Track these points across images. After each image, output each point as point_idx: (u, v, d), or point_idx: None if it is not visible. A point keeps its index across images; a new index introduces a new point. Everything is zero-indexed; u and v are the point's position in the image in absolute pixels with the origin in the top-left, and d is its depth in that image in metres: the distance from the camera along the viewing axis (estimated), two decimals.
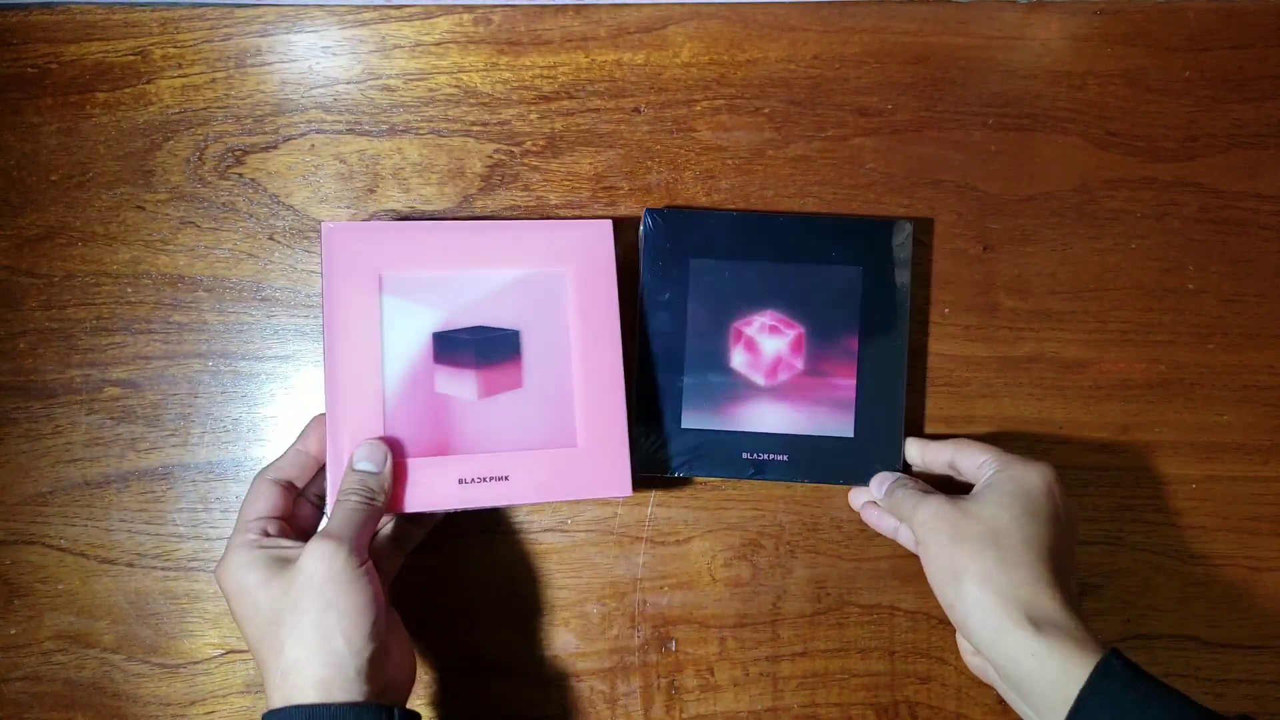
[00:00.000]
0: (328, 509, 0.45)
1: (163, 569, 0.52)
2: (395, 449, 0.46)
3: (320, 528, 0.41)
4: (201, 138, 0.54)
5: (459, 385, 0.48)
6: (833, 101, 0.55)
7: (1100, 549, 0.53)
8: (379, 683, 0.40)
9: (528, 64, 0.54)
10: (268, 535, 0.43)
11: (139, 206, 0.53)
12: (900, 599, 0.52)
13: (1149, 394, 0.53)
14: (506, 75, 0.54)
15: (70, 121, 0.54)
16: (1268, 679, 0.52)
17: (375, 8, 0.54)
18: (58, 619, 0.52)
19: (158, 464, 0.52)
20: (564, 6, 0.55)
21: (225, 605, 0.51)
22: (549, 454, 0.48)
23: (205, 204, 0.53)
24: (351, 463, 0.45)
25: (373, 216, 0.54)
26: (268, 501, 0.44)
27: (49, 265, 0.53)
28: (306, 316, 0.53)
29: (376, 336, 0.47)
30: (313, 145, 0.54)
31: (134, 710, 0.51)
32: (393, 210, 0.54)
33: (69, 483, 0.52)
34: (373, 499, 0.44)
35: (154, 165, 0.54)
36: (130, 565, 0.52)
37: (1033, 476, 0.45)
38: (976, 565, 0.42)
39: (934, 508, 0.45)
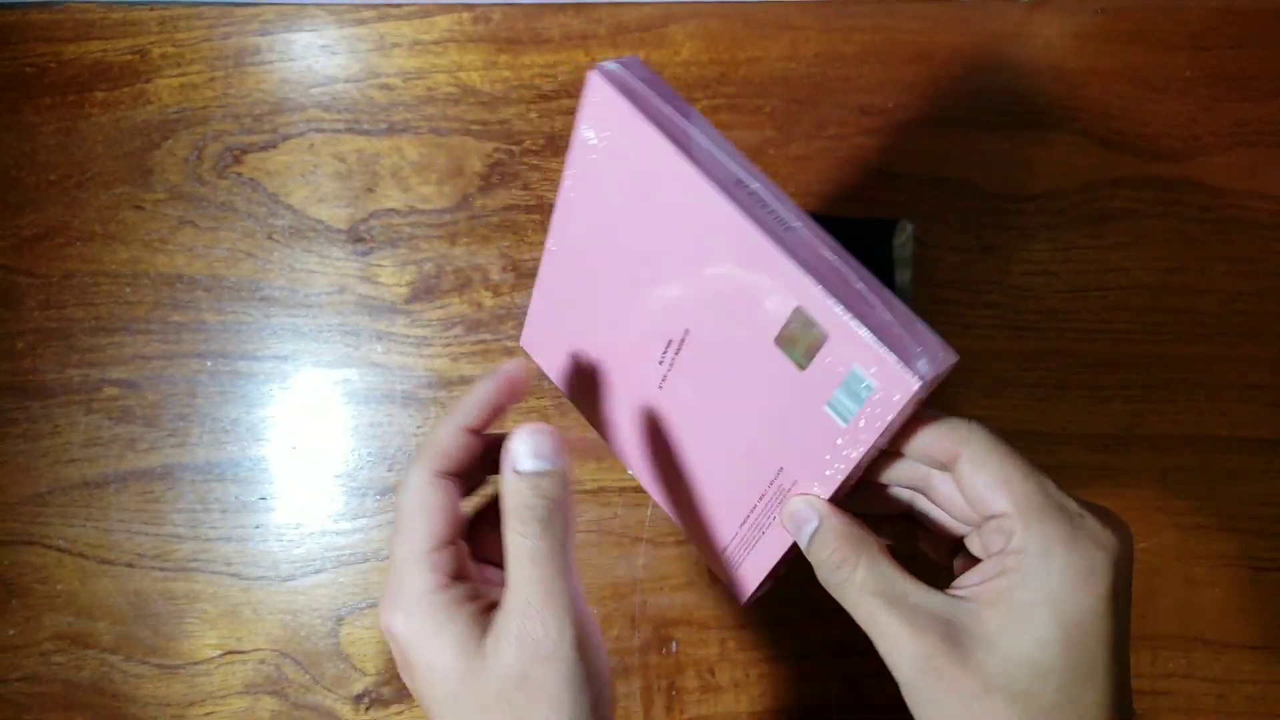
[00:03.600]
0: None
1: (162, 569, 0.52)
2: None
3: (507, 595, 0.30)
4: (200, 137, 0.54)
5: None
6: (834, 100, 0.54)
7: None
8: None
9: (527, 62, 0.54)
10: (456, 579, 0.31)
11: (137, 206, 0.53)
12: None
13: (1150, 394, 0.53)
14: (506, 74, 0.54)
15: (69, 121, 0.54)
16: (1271, 679, 0.52)
17: (374, 6, 0.54)
18: (56, 619, 0.52)
19: (156, 464, 0.52)
20: (564, 5, 0.54)
21: (225, 606, 0.51)
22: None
23: (204, 203, 0.53)
24: (512, 462, 0.31)
25: (371, 216, 0.54)
26: (446, 516, 0.31)
27: (47, 265, 0.53)
28: (305, 316, 0.53)
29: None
30: (311, 144, 0.54)
31: (133, 711, 0.51)
32: (392, 210, 0.54)
33: (67, 483, 0.52)
34: (561, 512, 0.30)
35: (152, 164, 0.53)
36: (129, 566, 0.52)
37: (1084, 589, 0.27)
38: None
39: (903, 635, 0.28)
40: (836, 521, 0.30)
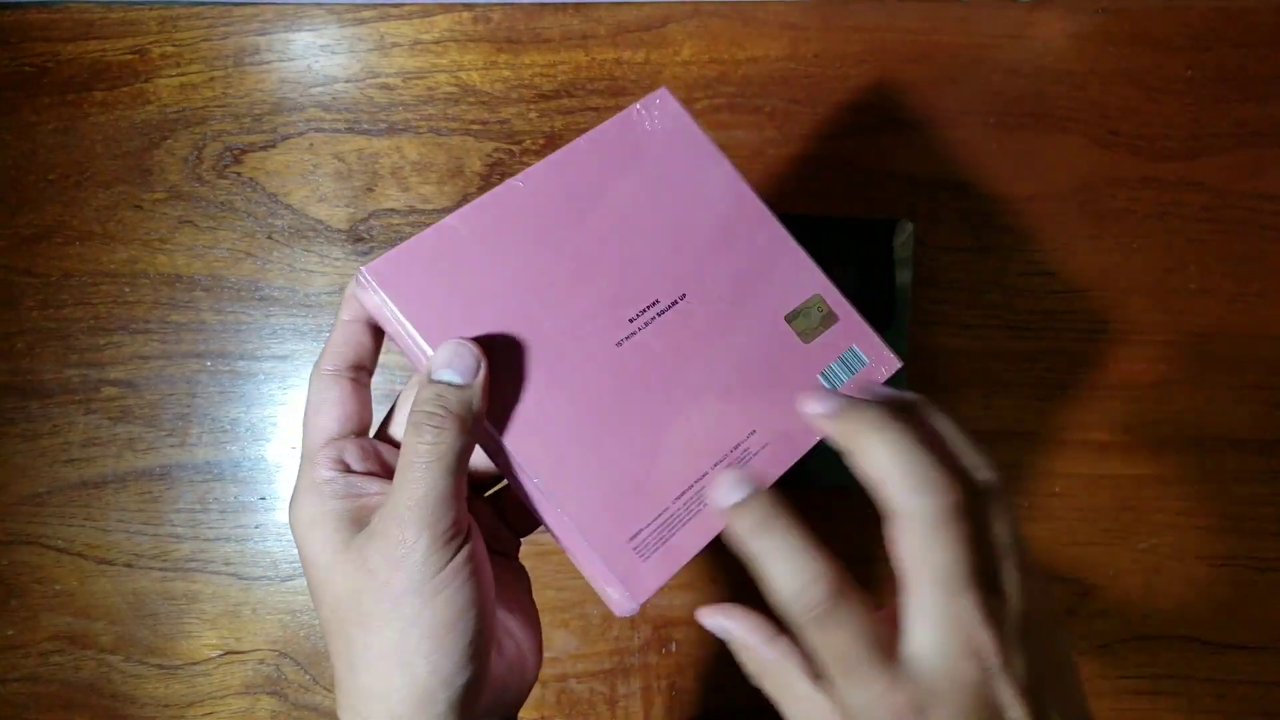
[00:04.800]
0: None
1: (160, 569, 0.52)
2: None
3: (387, 496, 0.30)
4: (199, 136, 0.54)
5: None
6: (833, 100, 0.54)
7: (1101, 549, 0.53)
8: (480, 707, 0.31)
9: (527, 62, 0.54)
10: (346, 470, 0.32)
11: (137, 205, 0.53)
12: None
13: (1150, 394, 0.53)
14: (506, 74, 0.54)
15: (68, 120, 0.54)
16: (1270, 680, 0.52)
17: (374, 6, 0.54)
18: (55, 620, 0.52)
19: (155, 464, 0.52)
20: (564, 4, 0.54)
21: (224, 606, 0.51)
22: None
23: (203, 203, 0.53)
24: (427, 369, 0.31)
25: (370, 216, 0.53)
26: (338, 409, 0.33)
27: (46, 264, 0.53)
28: (305, 316, 0.53)
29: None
30: (311, 144, 0.54)
31: (132, 711, 0.51)
32: (392, 210, 0.53)
33: (66, 483, 0.52)
34: (462, 426, 0.30)
35: (152, 164, 0.53)
36: (128, 566, 0.52)
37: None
38: None
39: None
40: (746, 620, 0.32)
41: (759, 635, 0.31)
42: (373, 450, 0.33)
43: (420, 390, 0.30)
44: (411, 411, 0.30)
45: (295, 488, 0.32)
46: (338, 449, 0.32)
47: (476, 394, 0.31)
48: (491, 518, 0.37)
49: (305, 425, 0.33)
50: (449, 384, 0.30)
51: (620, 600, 0.33)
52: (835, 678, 0.28)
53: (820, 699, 0.29)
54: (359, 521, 0.31)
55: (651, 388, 0.34)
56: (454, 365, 0.31)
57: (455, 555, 0.29)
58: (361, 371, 0.34)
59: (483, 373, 0.31)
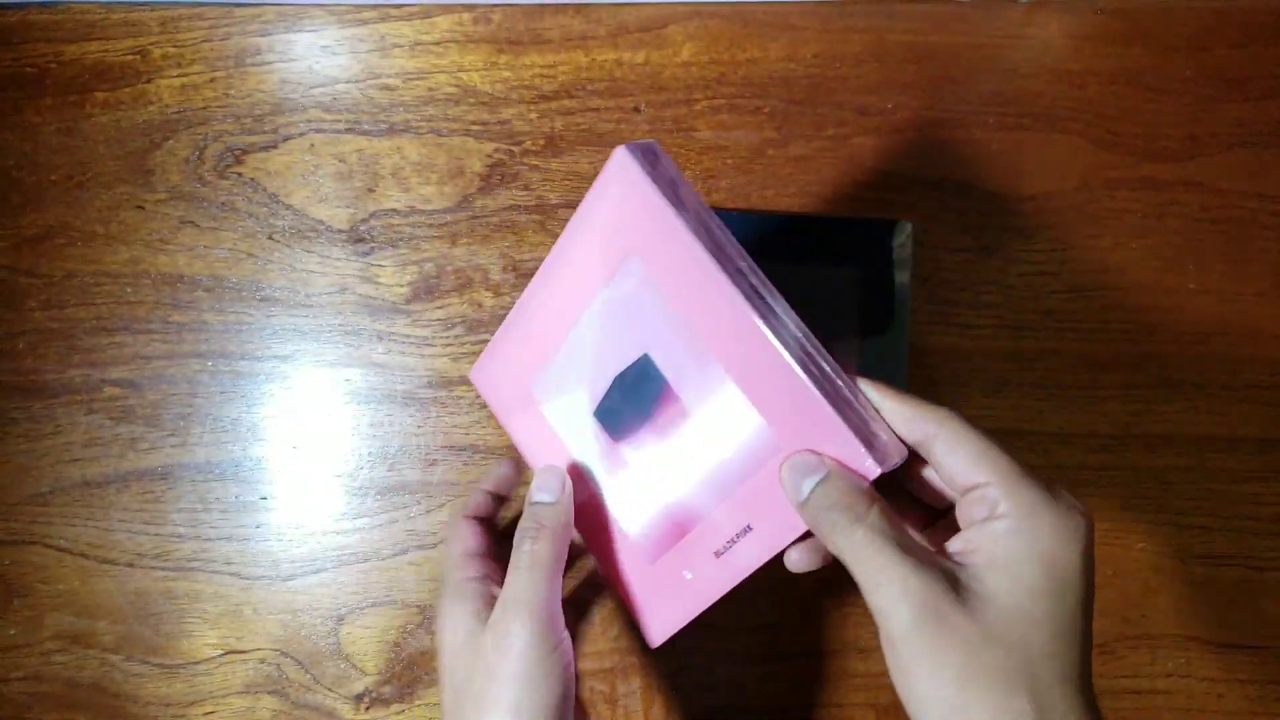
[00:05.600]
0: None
1: (162, 569, 0.52)
2: (637, 551, 0.39)
3: (501, 595, 0.37)
4: (201, 137, 0.54)
5: (643, 450, 0.39)
6: (833, 100, 0.55)
7: (1101, 549, 0.53)
8: None
9: (527, 63, 0.54)
10: (482, 578, 0.39)
11: (138, 206, 0.53)
12: None
13: (1149, 394, 0.53)
14: (506, 74, 0.54)
15: (70, 121, 0.54)
16: (1269, 679, 0.52)
17: (375, 7, 0.54)
18: (57, 619, 0.52)
19: (157, 464, 0.52)
20: (564, 5, 0.54)
21: (225, 606, 0.52)
22: (760, 472, 0.35)
23: (204, 203, 0.53)
24: (529, 493, 0.39)
25: (371, 216, 0.54)
26: (472, 539, 0.41)
27: (48, 265, 0.53)
28: (306, 316, 0.53)
29: (566, 455, 0.41)
30: (312, 145, 0.54)
31: (134, 710, 0.51)
32: (392, 210, 0.54)
33: (68, 482, 0.52)
34: (554, 536, 0.37)
35: (153, 165, 0.54)
36: (130, 565, 0.52)
37: (1068, 545, 0.29)
38: (984, 700, 0.28)
39: (909, 580, 0.29)
40: (844, 474, 0.32)
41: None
42: (498, 570, 0.40)
43: (525, 509, 0.39)
44: (519, 527, 0.38)
45: (444, 589, 0.40)
46: (474, 561, 0.40)
47: (564, 510, 0.39)
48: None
49: (449, 546, 0.41)
50: (542, 504, 0.39)
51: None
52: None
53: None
54: (485, 618, 0.37)
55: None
56: (544, 488, 0.39)
57: (555, 649, 0.35)
58: (491, 523, 0.44)
59: (568, 490, 0.39)
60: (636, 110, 0.54)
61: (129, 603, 0.52)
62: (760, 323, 0.33)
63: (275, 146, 0.54)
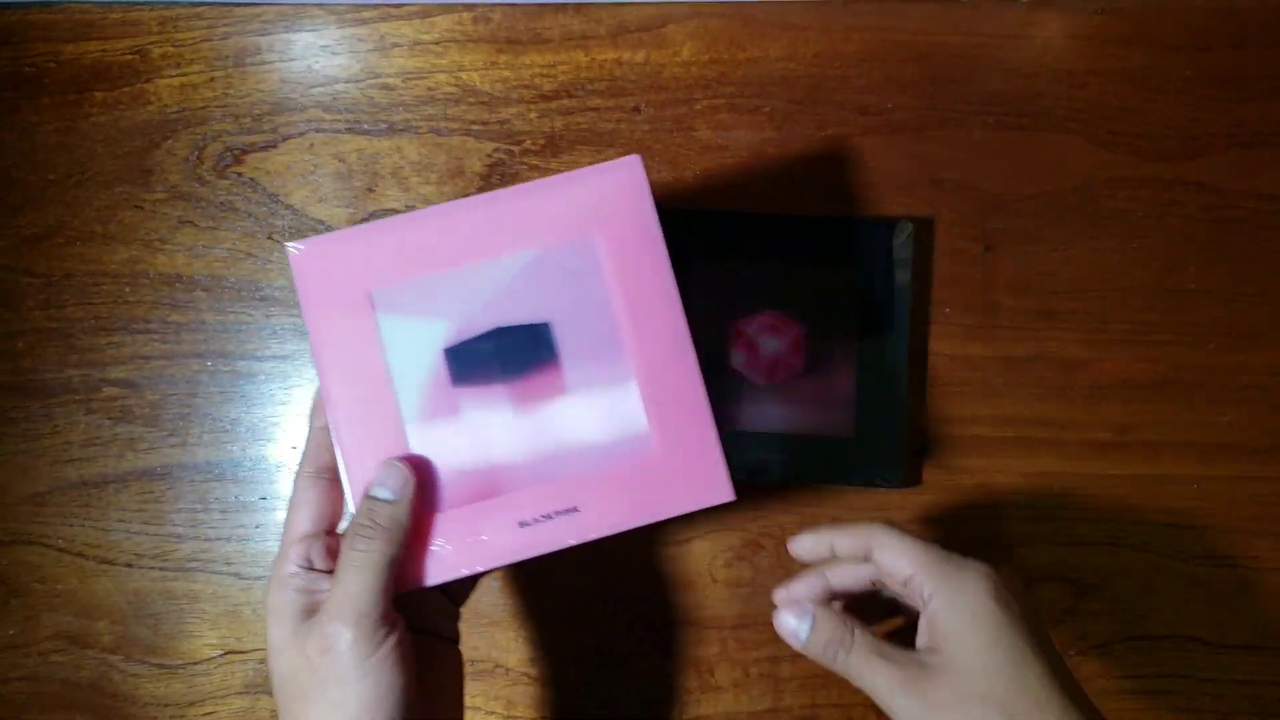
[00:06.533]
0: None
1: (161, 569, 0.52)
2: (431, 493, 0.38)
3: (329, 594, 0.36)
4: (200, 137, 0.54)
5: (490, 406, 0.39)
6: (833, 100, 0.55)
7: (1100, 549, 0.53)
8: None
9: (527, 63, 0.54)
10: (309, 568, 0.37)
11: (137, 206, 0.53)
12: None
13: (1149, 394, 0.53)
14: (506, 74, 0.54)
15: (68, 121, 0.54)
16: (1269, 680, 0.52)
17: (375, 6, 0.54)
18: (56, 619, 0.52)
19: (156, 464, 0.52)
20: (564, 5, 0.54)
21: (225, 606, 0.52)
22: (621, 467, 0.38)
23: (204, 203, 0.53)
24: (369, 486, 0.37)
25: (370, 216, 0.54)
26: (311, 512, 0.38)
27: (47, 265, 0.53)
28: None
29: (382, 370, 0.38)
30: (312, 144, 0.54)
31: (133, 711, 0.51)
32: (391, 210, 0.54)
33: (67, 482, 0.52)
34: (389, 537, 0.36)
35: (152, 164, 0.54)
36: (129, 565, 0.52)
37: (978, 596, 0.37)
38: None
39: (894, 677, 0.37)
40: (825, 612, 0.40)
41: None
42: (336, 549, 0.37)
43: (362, 503, 0.37)
44: (350, 521, 0.36)
45: (270, 577, 0.37)
46: (306, 547, 0.37)
47: (403, 509, 0.36)
48: (437, 595, 0.42)
49: (286, 521, 0.38)
50: (379, 500, 0.36)
51: None
52: None
53: None
54: (311, 613, 0.36)
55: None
56: (385, 483, 0.37)
57: (379, 648, 0.34)
58: (335, 470, 0.39)
59: (410, 489, 0.36)
60: (636, 110, 0.54)
61: (128, 603, 0.52)
62: (693, 353, 0.38)
63: (275, 146, 0.54)
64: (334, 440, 0.38)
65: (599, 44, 0.54)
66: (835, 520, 0.52)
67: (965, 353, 0.54)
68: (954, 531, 0.52)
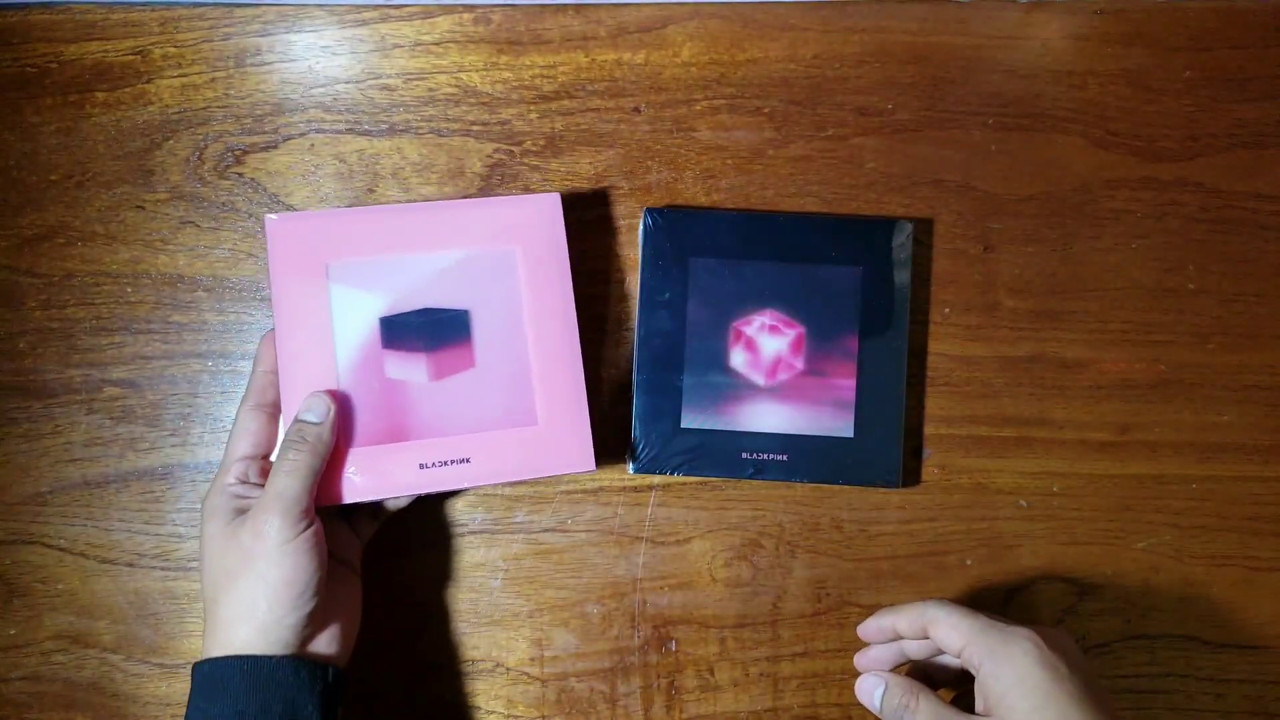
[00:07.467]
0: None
1: (162, 569, 0.52)
2: (350, 427, 0.46)
3: (263, 492, 0.43)
4: (201, 137, 0.54)
5: (410, 369, 0.47)
6: (833, 101, 0.55)
7: (1100, 549, 0.53)
8: (308, 639, 0.43)
9: (528, 63, 0.54)
10: (245, 481, 0.45)
11: (138, 206, 0.53)
12: (900, 599, 0.52)
13: (1149, 394, 0.53)
14: (506, 75, 0.54)
15: (70, 121, 0.54)
16: (1268, 679, 0.52)
17: (375, 7, 0.54)
18: (57, 619, 0.52)
19: (157, 464, 0.52)
20: (564, 6, 0.55)
21: None
22: (509, 433, 0.48)
23: (205, 203, 0.53)
24: (297, 410, 0.45)
25: None
26: (251, 439, 0.46)
27: (48, 265, 0.53)
28: None
29: (327, 327, 0.47)
30: (312, 145, 0.54)
31: (134, 710, 0.51)
32: None
33: (68, 482, 0.52)
34: (314, 450, 0.44)
35: (153, 165, 0.54)
36: (130, 565, 0.52)
37: (1025, 664, 0.40)
38: None
39: None
40: (896, 679, 0.45)
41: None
42: (267, 470, 0.45)
43: (291, 424, 0.45)
44: (283, 438, 0.44)
45: (209, 487, 0.45)
46: (245, 466, 0.45)
47: (326, 429, 0.45)
48: (345, 529, 0.49)
49: (228, 443, 0.46)
50: (307, 422, 0.45)
51: None
52: None
53: None
54: (241, 513, 0.43)
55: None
56: (312, 409, 0.45)
57: (299, 536, 0.42)
58: (274, 406, 0.46)
59: (332, 414, 0.45)
60: (636, 110, 0.54)
61: (129, 602, 0.52)
62: (579, 351, 0.49)
63: (275, 147, 0.54)
64: (280, 379, 0.46)
65: (599, 45, 0.54)
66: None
67: (965, 352, 0.54)
68: (953, 531, 0.53)
